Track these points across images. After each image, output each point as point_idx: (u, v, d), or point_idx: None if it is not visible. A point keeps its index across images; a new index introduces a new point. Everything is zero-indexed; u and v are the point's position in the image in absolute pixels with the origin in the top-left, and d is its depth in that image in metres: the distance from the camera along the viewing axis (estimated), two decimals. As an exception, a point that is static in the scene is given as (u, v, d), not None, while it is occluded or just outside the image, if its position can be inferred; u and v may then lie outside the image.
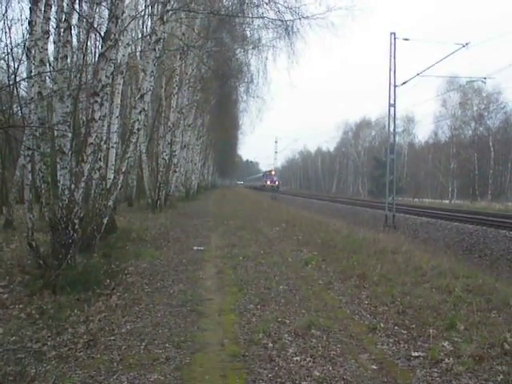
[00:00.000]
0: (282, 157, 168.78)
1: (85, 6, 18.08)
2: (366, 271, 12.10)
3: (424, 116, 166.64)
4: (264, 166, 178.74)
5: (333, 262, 13.73)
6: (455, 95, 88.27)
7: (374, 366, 6.51)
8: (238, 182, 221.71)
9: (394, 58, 31.59)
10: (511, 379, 6.00)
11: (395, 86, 32.10)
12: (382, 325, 8.19)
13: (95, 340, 7.04)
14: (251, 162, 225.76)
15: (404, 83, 32.99)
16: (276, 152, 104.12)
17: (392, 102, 32.37)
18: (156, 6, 24.88)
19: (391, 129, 34.90)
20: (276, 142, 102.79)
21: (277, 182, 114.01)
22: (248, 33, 32.13)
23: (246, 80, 42.11)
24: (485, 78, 37.33)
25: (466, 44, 30.02)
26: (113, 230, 16.68)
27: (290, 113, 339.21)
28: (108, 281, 10.46)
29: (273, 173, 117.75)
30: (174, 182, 35.67)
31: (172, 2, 19.45)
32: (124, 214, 24.66)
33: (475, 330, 7.67)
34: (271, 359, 6.56)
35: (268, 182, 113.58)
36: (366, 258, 14.02)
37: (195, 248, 15.96)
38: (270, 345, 7.09)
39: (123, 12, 12.71)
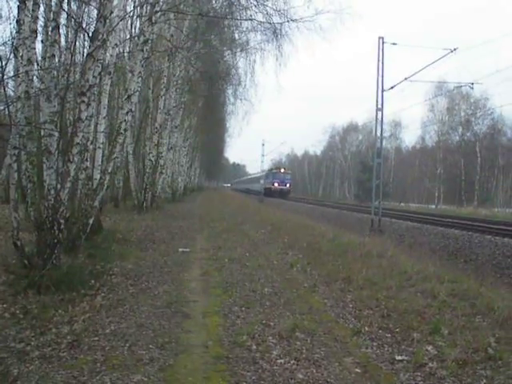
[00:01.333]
0: (269, 160, 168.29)
1: (73, 6, 18.06)
2: (351, 275, 12.13)
3: (411, 121, 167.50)
4: (251, 169, 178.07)
5: (318, 266, 13.76)
6: (443, 100, 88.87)
7: (357, 369, 6.54)
8: (225, 185, 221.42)
9: (382, 62, 31.64)
10: (494, 384, 6.03)
11: (383, 91, 32.14)
12: (366, 328, 8.22)
13: (79, 340, 7.01)
14: (238, 164, 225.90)
15: (392, 88, 33.04)
16: (263, 155, 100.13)
17: (379, 106, 32.38)
18: (145, 7, 24.84)
19: (378, 133, 34.90)
20: (263, 144, 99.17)
21: (288, 185, 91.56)
22: (236, 35, 32.35)
23: (233, 82, 42.26)
24: (472, 84, 37.33)
25: (454, 49, 30.07)
26: (98, 231, 16.61)
27: (278, 116, 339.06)
28: (93, 281, 10.41)
29: (282, 170, 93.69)
30: (160, 184, 35.61)
31: (161, 3, 19.46)
32: (110, 215, 24.54)
33: (459, 334, 7.72)
34: (255, 361, 6.57)
35: (276, 185, 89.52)
36: (351, 261, 14.05)
37: (181, 250, 15.95)
38: (254, 347, 7.10)
39: (111, 12, 12.66)
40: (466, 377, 6.27)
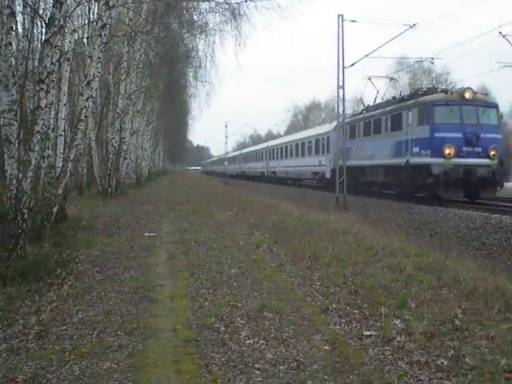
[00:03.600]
0: (233, 141, 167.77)
1: (28, -8, 17.77)
2: (318, 252, 12.20)
3: (374, 97, 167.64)
4: (215, 151, 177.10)
5: (284, 245, 13.80)
6: (405, 76, 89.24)
7: (326, 347, 6.56)
8: (190, 168, 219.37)
9: (342, 39, 31.70)
10: (462, 354, 6.09)
11: (344, 68, 32.23)
12: (334, 305, 8.25)
13: (46, 330, 6.96)
14: (202, 146, 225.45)
15: (352, 65, 33.21)
16: (226, 136, 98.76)
17: (341, 83, 32.49)
18: (102, -9, 24.56)
19: (340, 111, 35.05)
20: (226, 126, 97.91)
21: (493, 152, 26.88)
22: (195, 17, 32.10)
23: (194, 65, 41.93)
24: (432, 59, 37.61)
25: (414, 25, 30.28)
26: (63, 219, 16.50)
27: (240, 98, 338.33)
28: (59, 270, 10.33)
29: (467, 95, 27.72)
30: (124, 169, 35.51)
31: (118, -13, 19.24)
32: (75, 203, 24.43)
33: (426, 307, 7.80)
34: (224, 343, 6.57)
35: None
36: (317, 239, 14.12)
37: (146, 234, 15.93)
38: (223, 329, 7.10)
39: (67, -3, 12.54)
40: (433, 349, 6.32)
